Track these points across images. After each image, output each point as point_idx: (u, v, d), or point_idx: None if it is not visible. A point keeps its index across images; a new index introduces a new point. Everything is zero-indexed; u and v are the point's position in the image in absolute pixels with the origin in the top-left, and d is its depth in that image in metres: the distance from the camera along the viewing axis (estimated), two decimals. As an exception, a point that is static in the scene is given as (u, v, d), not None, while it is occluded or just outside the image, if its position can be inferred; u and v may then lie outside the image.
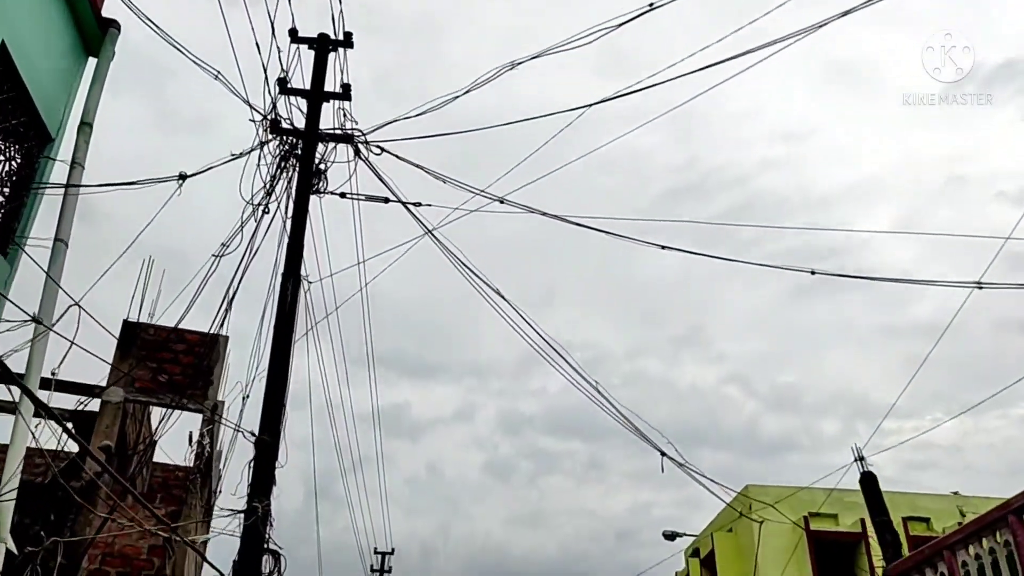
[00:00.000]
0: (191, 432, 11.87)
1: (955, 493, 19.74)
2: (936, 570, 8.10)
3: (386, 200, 9.14)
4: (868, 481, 10.26)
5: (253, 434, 7.53)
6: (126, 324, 11.77)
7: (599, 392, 9.44)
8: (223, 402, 12.68)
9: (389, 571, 25.07)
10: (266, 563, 7.19)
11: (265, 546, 7.07)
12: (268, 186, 8.40)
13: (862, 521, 18.74)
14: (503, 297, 9.10)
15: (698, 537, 22.38)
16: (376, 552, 25.45)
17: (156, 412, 14.54)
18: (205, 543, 9.08)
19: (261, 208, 8.28)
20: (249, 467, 7.34)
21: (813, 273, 9.18)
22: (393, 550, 25.64)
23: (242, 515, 7.06)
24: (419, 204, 9.07)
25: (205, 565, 13.05)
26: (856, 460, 10.42)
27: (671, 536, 23.38)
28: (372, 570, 25.22)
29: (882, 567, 10.27)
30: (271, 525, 7.15)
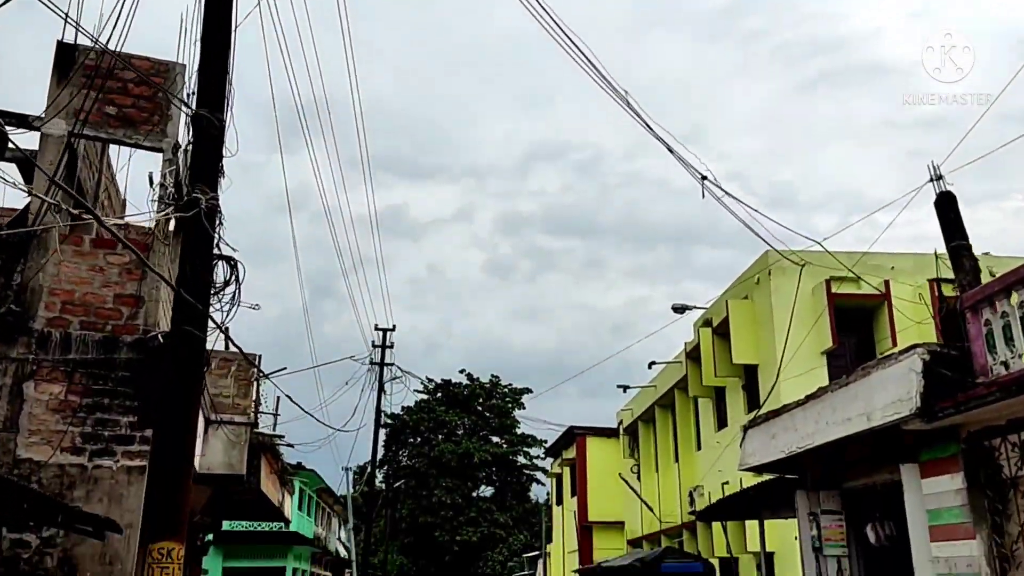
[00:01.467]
0: (151, 173, 10.47)
1: (985, 254, 18.62)
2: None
3: None
4: (946, 201, 8.87)
5: (188, 106, 6.01)
6: (60, 46, 10.01)
7: (628, 105, 7.84)
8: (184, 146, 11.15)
9: (391, 346, 24.74)
10: (221, 272, 5.92)
11: (215, 250, 5.77)
12: None
13: (886, 283, 17.80)
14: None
15: (711, 307, 21.62)
16: (377, 328, 25.05)
17: (120, 167, 13.06)
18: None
19: None
20: (187, 153, 5.89)
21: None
22: (394, 326, 25.26)
23: (182, 210, 5.67)
24: None
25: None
26: (933, 180, 8.98)
27: (680, 309, 22.63)
28: (374, 346, 24.90)
29: (940, 305, 9.10)
30: (221, 224, 5.82)
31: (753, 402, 19.65)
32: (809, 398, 9.66)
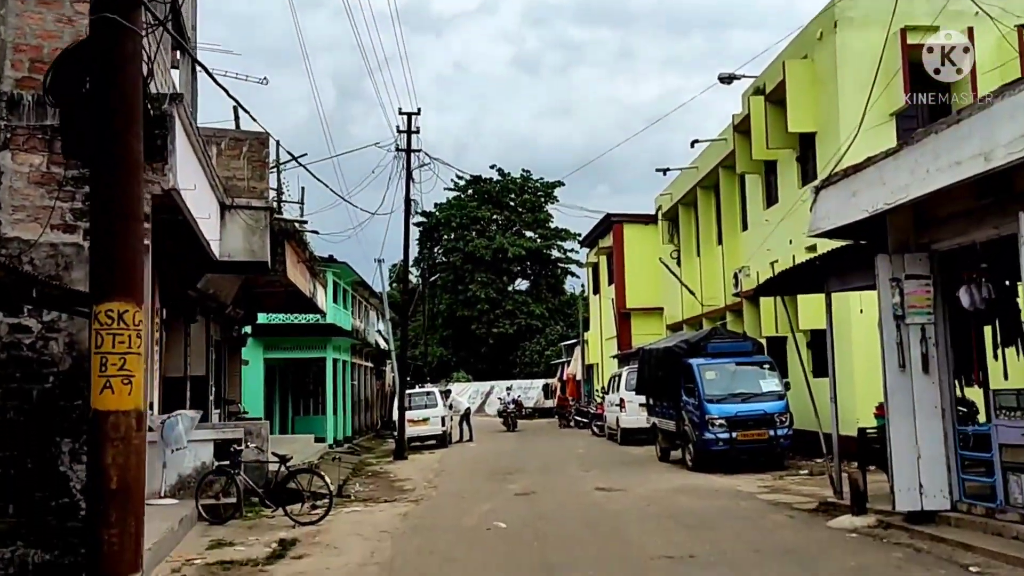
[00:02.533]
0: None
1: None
2: None
3: None
4: None
5: None
6: None
7: None
8: None
9: (416, 131, 23.26)
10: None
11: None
12: None
13: (969, 31, 15.68)
14: None
15: (763, 73, 19.66)
16: (401, 113, 23.46)
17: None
18: None
19: None
20: None
21: None
22: (419, 110, 23.61)
23: None
24: None
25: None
26: None
27: (727, 79, 20.63)
28: (398, 131, 23.44)
29: None
30: None
31: (808, 174, 18.21)
32: (904, 145, 8.25)
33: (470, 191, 62.59)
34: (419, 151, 23.64)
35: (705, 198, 25.74)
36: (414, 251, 63.26)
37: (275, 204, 15.74)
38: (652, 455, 19.90)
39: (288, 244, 15.21)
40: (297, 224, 15.68)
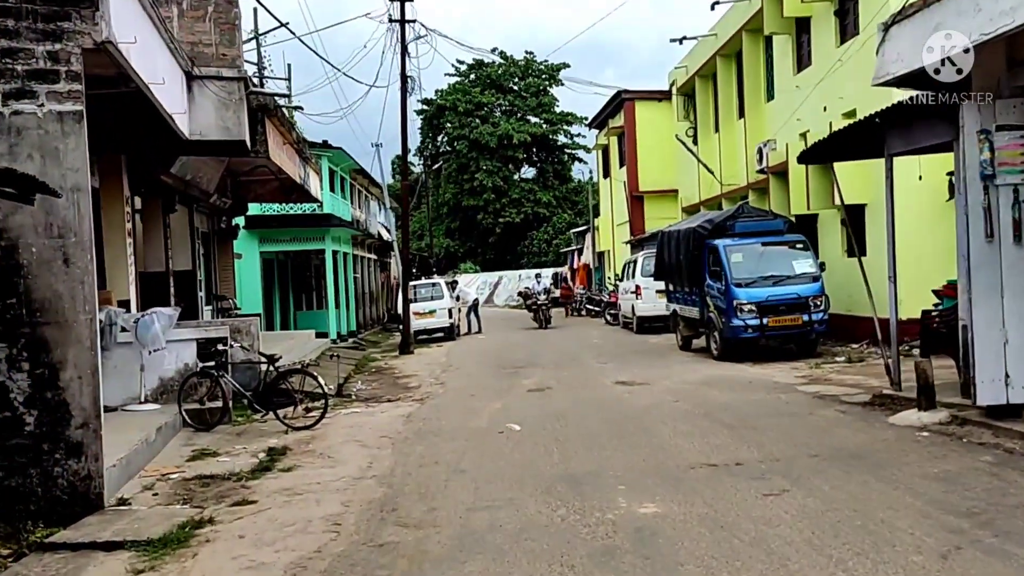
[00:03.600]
0: None
1: None
2: None
3: None
4: None
5: None
6: None
7: None
8: None
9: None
10: None
11: None
12: None
13: None
14: None
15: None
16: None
17: None
18: None
19: None
20: None
21: None
22: (413, -20, 21.43)
23: None
24: None
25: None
26: None
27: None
28: (392, 19, 21.28)
29: None
30: None
31: (847, 31, 16.34)
32: (1009, -44, 6.56)
33: (472, 76, 59.92)
34: (414, 22, 21.62)
35: (725, 68, 23.73)
36: (416, 140, 61.13)
37: (255, 78, 14.13)
38: (672, 344, 18.79)
39: (269, 121, 13.62)
40: (278, 99, 14.01)
